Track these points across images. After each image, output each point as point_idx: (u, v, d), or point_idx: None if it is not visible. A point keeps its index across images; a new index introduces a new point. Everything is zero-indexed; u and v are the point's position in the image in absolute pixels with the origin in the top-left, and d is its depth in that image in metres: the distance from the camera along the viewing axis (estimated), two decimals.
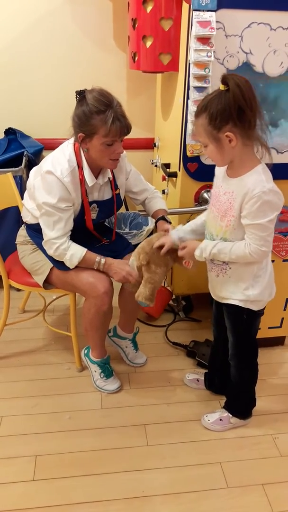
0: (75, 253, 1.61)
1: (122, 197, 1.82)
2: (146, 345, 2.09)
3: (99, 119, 1.45)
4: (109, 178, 1.70)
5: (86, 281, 1.65)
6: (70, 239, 1.64)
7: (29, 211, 1.72)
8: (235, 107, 1.20)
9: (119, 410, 1.76)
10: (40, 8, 2.26)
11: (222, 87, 1.21)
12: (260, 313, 1.50)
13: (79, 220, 1.66)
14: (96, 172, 1.65)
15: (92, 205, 1.67)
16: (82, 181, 1.59)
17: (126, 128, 1.50)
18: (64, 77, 2.43)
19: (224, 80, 1.20)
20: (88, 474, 1.50)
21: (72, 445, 1.60)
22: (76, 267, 1.64)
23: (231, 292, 1.46)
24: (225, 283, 1.46)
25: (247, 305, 1.45)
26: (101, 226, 1.86)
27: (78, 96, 1.49)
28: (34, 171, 1.70)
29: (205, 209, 1.94)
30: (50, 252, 1.64)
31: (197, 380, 1.86)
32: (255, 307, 1.46)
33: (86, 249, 1.63)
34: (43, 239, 1.65)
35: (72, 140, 1.59)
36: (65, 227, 1.60)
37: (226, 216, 1.36)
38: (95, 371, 1.86)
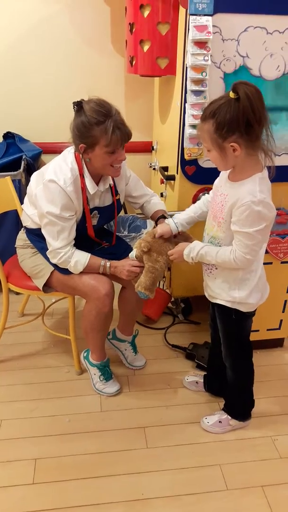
0: (79, 260, 1.62)
1: (122, 202, 1.83)
2: (145, 348, 2.10)
3: (99, 130, 1.45)
4: (110, 184, 1.70)
5: (88, 283, 1.66)
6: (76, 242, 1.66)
7: (30, 217, 1.72)
8: (243, 119, 1.18)
9: (118, 413, 1.76)
10: (38, 12, 2.28)
11: (232, 95, 1.18)
12: (249, 314, 1.50)
13: (81, 226, 1.67)
14: (97, 179, 1.65)
15: (93, 212, 1.68)
16: (84, 189, 1.60)
17: (127, 135, 1.50)
18: (63, 81, 2.45)
19: (234, 89, 1.18)
20: (88, 477, 1.50)
21: (71, 448, 1.60)
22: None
23: (218, 292, 1.47)
24: (213, 282, 1.48)
25: (234, 306, 1.46)
26: (101, 230, 1.87)
27: (75, 106, 1.49)
28: (35, 176, 1.70)
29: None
30: (54, 261, 1.65)
31: (196, 382, 1.87)
32: (243, 308, 1.47)
33: (89, 255, 1.64)
34: (44, 244, 1.66)
35: (72, 148, 1.59)
36: (69, 236, 1.61)
37: (216, 217, 1.38)
38: (95, 374, 1.86)
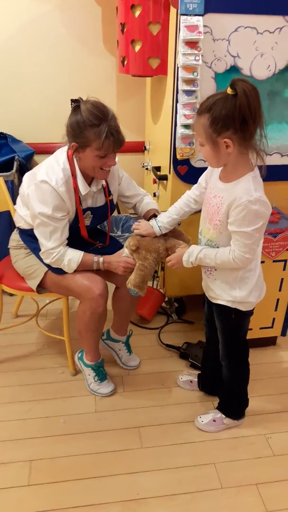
0: (72, 258, 1.62)
1: (115, 202, 1.83)
2: (139, 348, 2.10)
3: (92, 132, 1.45)
4: (102, 185, 1.70)
5: (81, 283, 1.66)
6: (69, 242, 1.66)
7: (22, 218, 1.72)
8: (239, 116, 1.17)
9: (113, 413, 1.76)
10: (29, 13, 2.27)
11: (229, 91, 1.18)
12: (248, 313, 1.51)
13: (74, 227, 1.67)
14: (89, 179, 1.65)
15: (86, 213, 1.68)
16: (76, 189, 1.60)
17: (119, 142, 1.50)
18: (55, 81, 2.44)
19: (232, 85, 1.18)
20: (83, 478, 1.50)
21: (66, 449, 1.60)
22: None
23: (219, 293, 1.47)
24: (213, 283, 1.48)
25: (234, 305, 1.47)
26: (94, 230, 1.87)
27: (72, 104, 1.48)
28: (27, 177, 1.69)
29: (197, 212, 1.97)
30: (47, 261, 1.65)
31: (191, 381, 1.87)
32: (243, 308, 1.48)
33: (82, 252, 1.64)
34: (37, 244, 1.65)
35: (65, 148, 1.59)
36: (61, 237, 1.61)
37: (213, 219, 1.38)
38: (89, 375, 1.86)
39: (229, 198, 1.30)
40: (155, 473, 1.53)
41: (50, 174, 1.54)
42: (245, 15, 1.68)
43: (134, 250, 1.56)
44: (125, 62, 1.99)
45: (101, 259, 1.65)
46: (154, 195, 2.21)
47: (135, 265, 1.58)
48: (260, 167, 1.32)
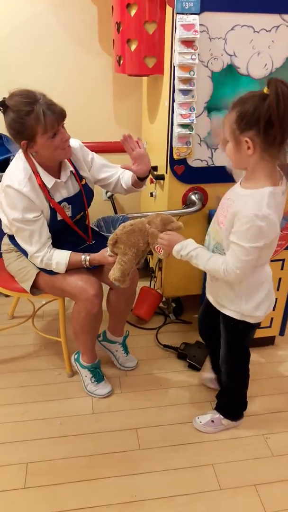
0: (59, 260, 1.61)
1: (92, 187, 1.79)
2: (137, 348, 2.09)
3: (31, 119, 1.42)
4: (71, 171, 1.67)
5: (75, 284, 1.64)
6: (57, 241, 1.64)
7: (6, 224, 1.71)
8: (265, 116, 1.10)
9: (110, 414, 1.75)
10: (24, 12, 2.25)
11: (266, 90, 1.11)
12: (256, 325, 1.47)
13: (56, 221, 1.64)
14: (55, 170, 1.62)
15: (62, 204, 1.65)
16: (42, 185, 1.57)
17: (60, 113, 1.47)
18: (50, 81, 2.42)
19: (268, 84, 1.10)
20: (80, 480, 1.49)
21: (63, 451, 1.59)
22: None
23: (225, 303, 1.43)
24: (220, 290, 1.43)
25: (242, 318, 1.41)
26: (86, 229, 1.85)
27: (1, 108, 1.46)
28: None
29: (193, 211, 1.96)
30: (37, 265, 1.64)
31: (213, 379, 1.83)
32: (251, 320, 1.42)
33: (69, 252, 1.62)
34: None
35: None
36: (41, 238, 1.59)
37: (220, 221, 1.32)
38: (86, 376, 1.85)
39: (238, 204, 1.23)
40: (153, 474, 1.52)
41: (12, 177, 1.53)
42: (242, 13, 1.67)
43: (113, 244, 1.53)
44: (121, 62, 1.98)
45: (87, 257, 1.63)
46: (151, 195, 2.20)
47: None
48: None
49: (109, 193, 2.65)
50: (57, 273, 1.65)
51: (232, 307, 1.42)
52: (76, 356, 1.89)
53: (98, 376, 1.83)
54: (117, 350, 1.98)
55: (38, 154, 1.53)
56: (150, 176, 2.15)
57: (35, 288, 1.74)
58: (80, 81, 2.40)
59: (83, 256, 1.63)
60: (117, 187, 1.82)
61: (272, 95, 1.09)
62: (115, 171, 1.81)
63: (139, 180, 1.74)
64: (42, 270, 1.69)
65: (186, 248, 1.37)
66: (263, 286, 1.38)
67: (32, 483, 1.47)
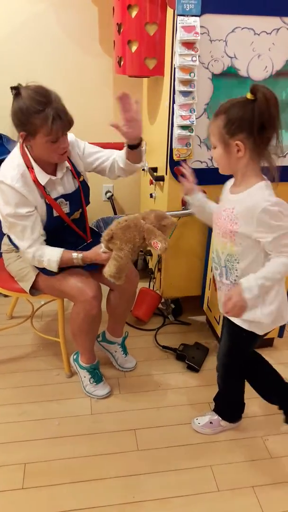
0: (51, 257, 1.60)
1: (87, 180, 1.78)
2: (135, 349, 2.09)
3: (39, 119, 1.42)
4: (67, 167, 1.66)
5: (74, 286, 1.64)
6: (56, 240, 1.64)
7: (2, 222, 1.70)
8: (258, 121, 1.16)
9: (109, 415, 1.75)
10: (24, 12, 2.25)
11: (249, 95, 1.16)
12: (260, 336, 1.42)
13: (52, 218, 1.64)
14: (52, 167, 1.62)
15: (59, 200, 1.64)
16: (37, 181, 1.57)
17: (68, 123, 1.47)
18: (50, 82, 2.40)
19: (252, 90, 1.16)
20: (78, 480, 1.49)
21: (61, 452, 1.59)
22: (62, 270, 1.64)
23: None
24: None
25: (251, 328, 1.37)
26: (86, 229, 1.85)
27: (13, 91, 1.46)
28: None
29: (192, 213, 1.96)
30: (29, 261, 1.64)
31: None
32: (259, 331, 1.38)
33: (61, 250, 1.61)
34: None
35: (18, 144, 1.58)
36: (33, 234, 1.58)
37: (227, 232, 1.30)
38: (85, 377, 1.85)
39: (241, 207, 1.24)
40: (151, 475, 1.51)
41: (5, 173, 1.53)
42: (242, 16, 1.68)
43: (109, 240, 1.50)
44: (122, 63, 1.98)
45: (80, 255, 1.61)
46: (151, 196, 2.20)
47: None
48: (266, 168, 1.27)
49: (108, 194, 2.65)
50: (56, 274, 1.65)
51: (247, 313, 1.32)
52: (75, 357, 1.89)
53: (97, 377, 1.83)
54: (116, 351, 1.98)
55: (32, 149, 1.53)
56: (150, 177, 2.16)
57: (34, 289, 1.74)
58: (80, 82, 2.40)
59: (74, 254, 1.62)
60: (114, 170, 1.78)
61: (261, 100, 1.15)
62: (110, 155, 1.78)
63: (130, 149, 1.68)
64: (42, 270, 1.69)
65: (250, 282, 1.25)
66: (273, 293, 1.33)
67: (30, 484, 1.47)
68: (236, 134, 1.20)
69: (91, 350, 1.82)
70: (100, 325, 1.78)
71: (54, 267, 1.62)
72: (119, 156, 1.75)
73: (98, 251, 1.58)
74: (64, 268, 1.65)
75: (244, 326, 1.38)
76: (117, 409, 1.78)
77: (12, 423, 1.70)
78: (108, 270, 1.52)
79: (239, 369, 1.57)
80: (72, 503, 1.42)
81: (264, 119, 1.16)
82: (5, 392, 1.85)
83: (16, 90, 1.45)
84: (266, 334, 1.43)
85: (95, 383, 1.83)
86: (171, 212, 1.98)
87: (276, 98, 1.17)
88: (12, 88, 1.46)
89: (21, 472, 1.51)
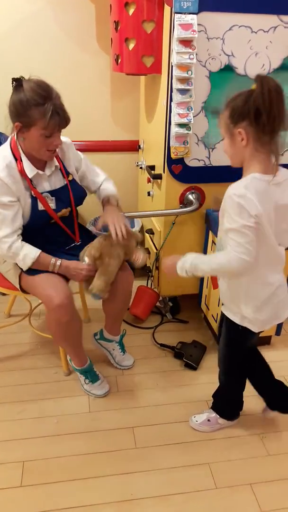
0: (28, 253, 1.59)
1: (80, 183, 1.79)
2: (133, 347, 2.09)
3: (37, 111, 1.43)
4: (56, 166, 1.67)
5: (43, 292, 1.62)
6: (45, 239, 1.65)
7: None
8: (253, 106, 1.17)
9: (107, 413, 1.75)
10: (22, 9, 2.24)
11: (253, 86, 1.18)
12: (255, 333, 1.43)
13: (37, 211, 1.63)
14: (41, 163, 1.63)
15: (44, 194, 1.64)
16: (23, 173, 1.57)
17: (65, 121, 1.49)
18: (47, 79, 2.41)
19: (255, 79, 1.18)
20: (77, 478, 1.49)
21: (59, 450, 1.59)
22: (36, 272, 1.63)
23: (227, 303, 1.42)
24: (223, 289, 1.42)
25: (243, 323, 1.39)
26: (82, 229, 1.85)
27: (14, 82, 1.47)
28: None
29: (191, 211, 1.96)
30: (4, 252, 1.61)
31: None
32: (252, 327, 1.39)
33: (40, 251, 1.61)
34: None
35: (9, 139, 1.59)
36: (12, 225, 1.58)
37: (220, 222, 1.33)
38: (80, 377, 1.85)
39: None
40: (149, 473, 1.52)
41: None
42: (240, 14, 1.67)
43: (98, 257, 1.59)
44: (119, 61, 1.98)
45: (58, 262, 1.61)
46: (149, 194, 2.20)
47: (96, 271, 1.61)
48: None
49: None
50: (31, 275, 1.64)
51: (233, 308, 1.40)
52: (69, 357, 1.88)
53: (91, 377, 1.83)
54: (114, 349, 1.98)
55: (25, 141, 1.54)
56: (148, 175, 2.16)
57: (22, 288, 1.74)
58: (77, 79, 2.40)
59: (52, 260, 1.61)
60: (96, 191, 1.86)
61: (258, 87, 1.16)
62: (97, 183, 1.84)
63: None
64: (21, 270, 1.67)
65: (186, 261, 1.34)
66: (263, 287, 1.34)
67: (29, 482, 1.48)
68: (238, 122, 1.21)
69: (78, 354, 1.80)
70: (81, 329, 1.75)
71: (27, 264, 1.60)
72: (102, 191, 1.83)
73: (80, 265, 1.60)
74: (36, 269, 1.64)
75: (236, 320, 1.40)
76: (115, 407, 1.78)
77: (10, 421, 1.70)
78: (97, 285, 1.59)
79: (239, 366, 1.58)
80: (70, 500, 1.42)
81: (259, 105, 1.15)
82: (3, 390, 1.85)
83: (18, 82, 1.46)
84: (262, 332, 1.44)
85: (91, 383, 1.83)
86: (168, 211, 1.99)
87: (279, 87, 1.16)
88: (14, 79, 1.47)
89: (19, 470, 1.51)
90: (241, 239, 1.22)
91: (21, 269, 1.67)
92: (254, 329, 1.40)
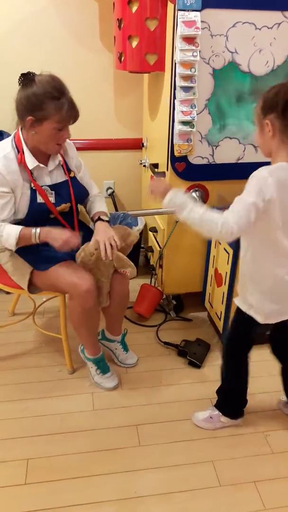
0: (10, 232, 1.59)
1: (82, 181, 1.80)
2: (137, 345, 2.09)
3: (53, 105, 1.47)
4: (59, 161, 1.69)
5: (68, 280, 1.64)
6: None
7: None
8: (282, 99, 1.19)
9: (111, 411, 1.76)
10: (25, 8, 2.24)
11: None
12: (260, 324, 1.43)
13: (36, 204, 1.63)
14: (44, 157, 1.64)
15: (44, 187, 1.65)
16: (24, 164, 1.58)
17: (76, 114, 1.55)
18: None
19: None
20: (80, 476, 1.50)
21: (63, 448, 1.60)
22: (47, 266, 1.66)
23: (240, 293, 1.45)
24: (240, 279, 1.45)
25: (250, 312, 1.41)
26: (82, 227, 1.85)
27: (23, 78, 1.49)
28: None
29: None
30: None
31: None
32: (258, 317, 1.40)
33: (21, 227, 1.61)
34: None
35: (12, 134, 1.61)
36: (2, 213, 1.60)
37: None
38: (91, 367, 1.86)
39: None
40: (153, 471, 1.52)
41: None
42: (243, 10, 1.67)
43: (93, 254, 1.65)
44: (122, 58, 1.97)
45: (38, 230, 1.59)
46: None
47: (79, 245, 1.62)
48: None
49: (110, 190, 2.65)
50: (46, 268, 1.66)
51: (242, 294, 1.44)
52: (81, 347, 1.89)
53: (103, 367, 1.84)
54: (117, 348, 1.98)
55: (36, 135, 1.55)
56: (151, 173, 2.16)
57: (33, 286, 1.74)
58: (80, 78, 2.39)
59: (33, 230, 1.59)
60: (86, 204, 1.88)
61: None
62: (91, 192, 1.86)
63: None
64: (34, 267, 1.69)
65: (180, 196, 1.33)
66: (269, 279, 1.35)
67: (33, 479, 1.48)
68: (268, 114, 1.23)
69: (93, 343, 1.82)
70: (99, 316, 1.79)
71: (12, 244, 1.60)
72: (92, 202, 1.85)
73: (65, 231, 1.58)
74: (53, 260, 1.66)
75: (243, 308, 1.43)
76: (119, 405, 1.79)
77: (14, 419, 1.71)
78: (82, 256, 1.64)
79: (238, 361, 1.58)
80: (74, 498, 1.42)
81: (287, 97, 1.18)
82: (7, 389, 1.85)
83: (29, 76, 1.48)
84: (269, 326, 1.46)
85: (101, 374, 1.84)
86: (172, 209, 1.98)
87: None
88: (23, 74, 1.48)
89: (23, 468, 1.52)
90: (242, 211, 1.22)
91: (33, 267, 1.69)
92: (259, 319, 1.41)
